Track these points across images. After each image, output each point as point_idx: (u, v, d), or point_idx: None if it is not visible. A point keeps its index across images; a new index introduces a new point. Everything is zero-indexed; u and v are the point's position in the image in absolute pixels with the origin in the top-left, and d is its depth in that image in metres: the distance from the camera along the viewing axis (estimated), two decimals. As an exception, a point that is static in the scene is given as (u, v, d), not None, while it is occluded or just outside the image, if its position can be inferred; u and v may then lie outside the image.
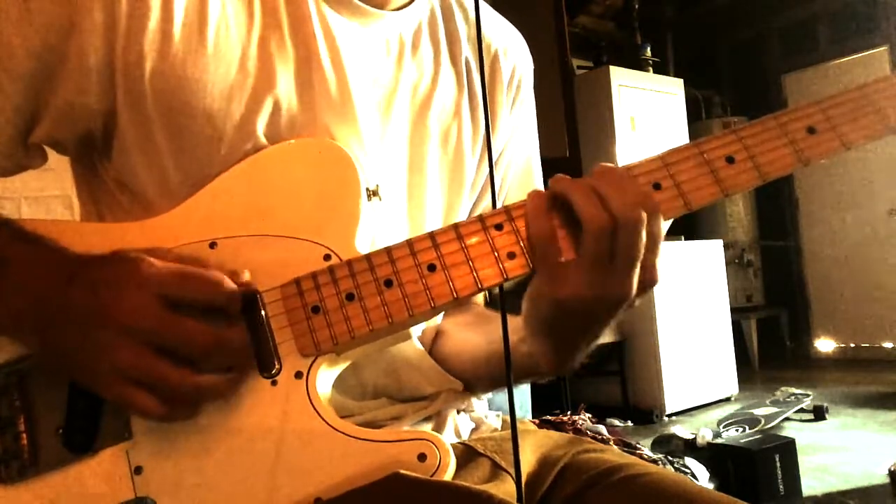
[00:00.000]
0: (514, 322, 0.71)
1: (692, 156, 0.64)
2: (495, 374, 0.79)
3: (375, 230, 0.71)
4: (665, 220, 0.63)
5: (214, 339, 0.59)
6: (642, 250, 0.61)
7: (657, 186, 0.64)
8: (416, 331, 0.73)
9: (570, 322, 0.66)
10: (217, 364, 0.60)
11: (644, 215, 0.60)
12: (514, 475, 0.75)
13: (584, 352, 0.71)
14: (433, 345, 0.85)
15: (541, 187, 0.94)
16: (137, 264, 0.59)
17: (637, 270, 0.62)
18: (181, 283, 0.59)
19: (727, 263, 4.85)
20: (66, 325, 0.59)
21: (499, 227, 0.64)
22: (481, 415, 0.88)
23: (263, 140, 0.69)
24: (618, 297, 0.63)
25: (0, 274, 0.62)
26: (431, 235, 0.64)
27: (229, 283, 0.61)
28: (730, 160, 0.64)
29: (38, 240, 0.65)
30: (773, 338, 5.91)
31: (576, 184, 0.62)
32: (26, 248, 0.64)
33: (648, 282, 0.63)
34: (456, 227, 0.64)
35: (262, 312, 0.64)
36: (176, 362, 0.58)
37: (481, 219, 0.64)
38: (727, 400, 4.46)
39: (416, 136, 0.79)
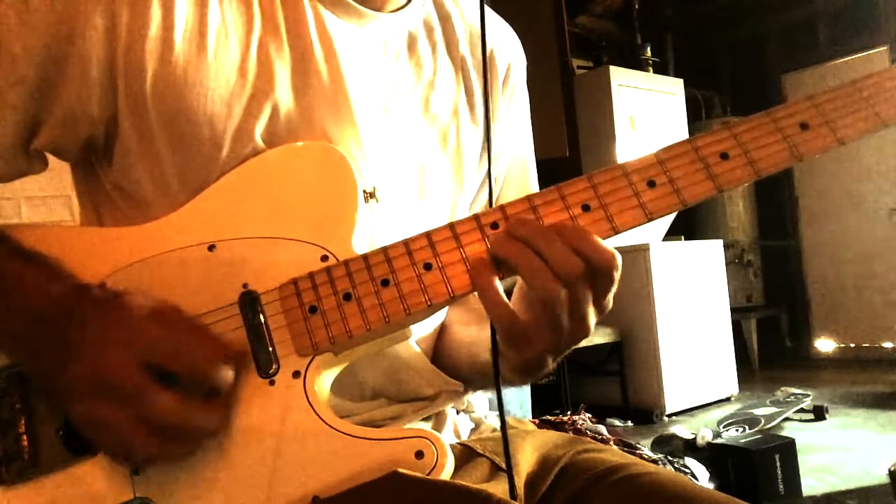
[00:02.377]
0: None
1: (686, 152, 0.64)
2: (484, 372, 0.79)
3: (373, 231, 0.72)
4: (662, 216, 0.64)
5: (180, 417, 0.58)
6: (591, 296, 0.61)
7: (651, 184, 0.64)
8: (415, 331, 0.74)
9: (527, 365, 0.67)
10: (180, 437, 0.59)
11: (584, 267, 0.59)
12: (513, 476, 0.76)
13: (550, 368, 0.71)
14: (437, 341, 0.85)
15: (535, 184, 0.94)
16: (134, 322, 0.59)
17: (592, 309, 0.62)
18: (169, 356, 0.59)
19: (727, 263, 4.85)
20: (57, 356, 0.59)
21: (494, 225, 0.64)
22: (481, 415, 0.88)
23: (262, 144, 0.69)
24: (577, 338, 0.63)
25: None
26: (427, 235, 0.64)
27: (217, 368, 0.60)
28: (724, 156, 0.64)
29: (39, 260, 0.64)
30: (773, 338, 5.92)
31: (523, 253, 0.60)
32: (26, 269, 0.63)
33: (604, 311, 0.64)
34: (452, 226, 0.64)
35: (260, 313, 0.64)
36: (145, 429, 0.57)
37: (476, 218, 0.64)
38: (727, 400, 4.46)
39: (414, 137, 0.79)
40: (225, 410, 0.61)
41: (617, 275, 0.61)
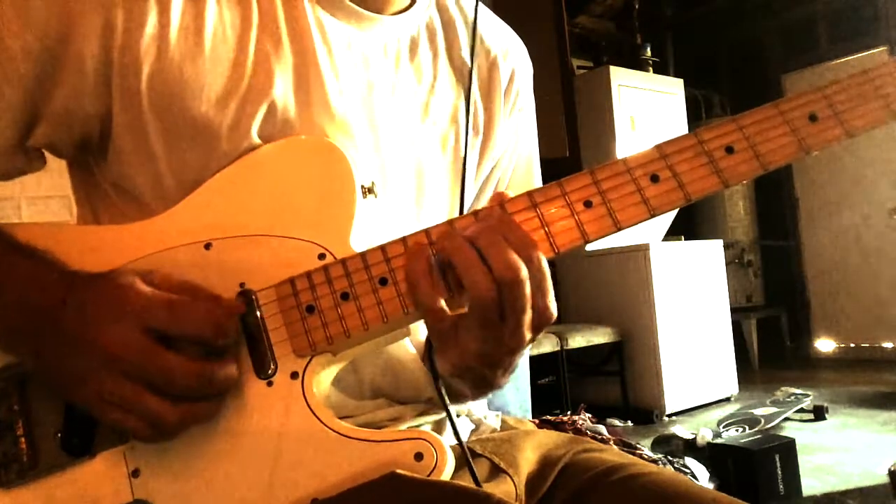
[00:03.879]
0: None
1: (690, 146, 0.63)
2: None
3: (371, 228, 0.71)
4: (665, 212, 0.63)
5: (196, 376, 0.58)
6: (529, 303, 0.60)
7: (655, 178, 0.63)
8: (413, 331, 0.73)
9: (469, 373, 0.66)
10: (200, 396, 0.59)
11: (523, 272, 0.58)
12: (513, 476, 0.75)
13: (502, 382, 0.70)
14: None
15: (539, 185, 0.94)
16: (127, 292, 0.59)
17: (528, 319, 0.61)
18: (168, 316, 0.59)
19: (727, 263, 4.85)
20: (58, 347, 0.59)
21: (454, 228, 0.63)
22: (480, 416, 0.88)
23: (258, 142, 0.69)
24: (512, 347, 0.62)
25: None
26: (426, 232, 0.64)
27: (217, 318, 0.60)
28: (729, 150, 0.63)
29: (34, 253, 0.64)
30: (773, 338, 5.91)
31: (459, 243, 0.60)
32: (22, 262, 0.64)
33: (544, 323, 0.62)
34: (451, 223, 0.64)
35: (258, 313, 0.64)
36: (159, 393, 0.57)
37: (476, 214, 0.64)
38: (727, 400, 4.45)
39: (412, 140, 0.79)
40: (234, 366, 0.61)
41: (543, 275, 0.60)
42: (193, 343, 0.59)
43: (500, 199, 0.64)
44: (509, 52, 0.90)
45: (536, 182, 0.94)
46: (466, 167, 0.79)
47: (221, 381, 0.60)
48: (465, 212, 0.80)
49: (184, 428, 0.60)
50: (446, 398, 0.69)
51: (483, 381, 0.68)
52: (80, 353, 0.58)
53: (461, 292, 0.61)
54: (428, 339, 0.67)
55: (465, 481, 0.70)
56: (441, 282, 0.61)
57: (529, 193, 0.64)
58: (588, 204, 0.63)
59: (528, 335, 0.62)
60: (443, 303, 0.60)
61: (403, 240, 0.64)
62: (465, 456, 0.68)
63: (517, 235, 0.60)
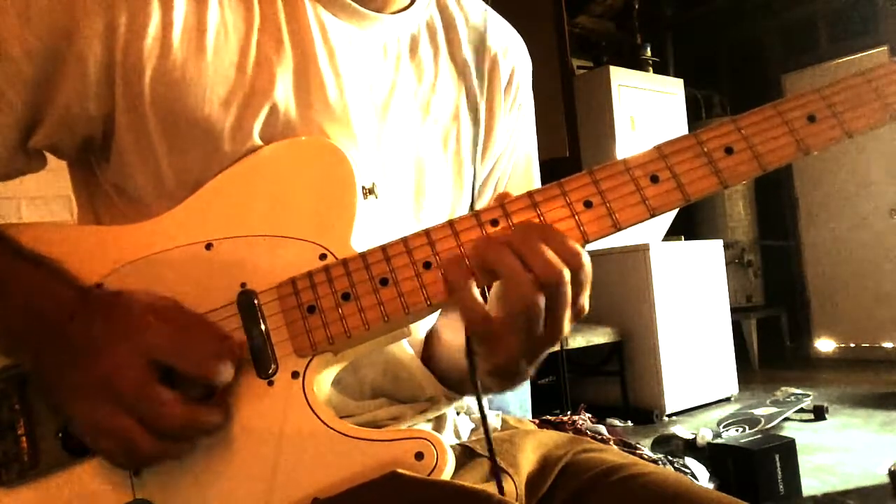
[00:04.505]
0: None
1: (690, 147, 0.63)
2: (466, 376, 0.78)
3: (372, 228, 0.71)
4: (665, 212, 0.63)
5: (184, 421, 0.58)
6: (569, 301, 0.60)
7: (654, 179, 0.63)
8: (415, 330, 0.73)
9: (508, 370, 0.66)
10: (181, 438, 0.59)
11: (566, 274, 0.58)
12: (513, 476, 0.76)
13: (530, 373, 0.70)
14: (427, 346, 0.85)
15: (538, 184, 0.94)
16: (139, 321, 0.59)
17: (568, 315, 0.61)
18: (174, 353, 0.58)
19: (727, 263, 4.85)
20: (58, 357, 0.59)
21: (494, 222, 0.63)
22: (480, 418, 0.88)
23: (259, 143, 0.69)
24: (551, 343, 0.63)
25: (2, 295, 0.63)
26: (427, 233, 0.64)
27: (220, 359, 0.59)
28: (728, 150, 0.63)
29: (42, 262, 0.64)
30: (773, 338, 5.91)
31: (500, 251, 0.59)
32: (30, 270, 0.63)
33: (578, 317, 0.62)
34: (451, 223, 0.64)
35: (259, 313, 0.64)
36: (147, 428, 0.57)
37: (477, 215, 0.64)
38: (727, 400, 4.45)
39: (415, 139, 0.79)
40: (225, 410, 0.61)
41: (586, 275, 0.60)
42: (194, 381, 0.59)
43: (501, 200, 0.64)
44: (509, 49, 0.90)
45: (535, 181, 0.94)
46: (471, 163, 0.78)
47: (205, 429, 0.60)
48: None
49: (155, 463, 0.60)
50: (483, 400, 0.69)
51: (518, 375, 0.68)
52: (79, 369, 0.58)
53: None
54: (467, 341, 0.67)
55: (466, 480, 0.70)
56: (482, 280, 0.61)
57: (530, 193, 0.64)
58: (588, 204, 0.63)
59: (566, 329, 0.62)
60: (487, 310, 0.60)
61: (404, 240, 0.64)
62: (490, 452, 0.67)
63: (554, 236, 0.60)
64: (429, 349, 0.84)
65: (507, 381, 0.69)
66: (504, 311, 0.60)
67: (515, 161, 0.92)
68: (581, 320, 0.63)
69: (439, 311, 0.81)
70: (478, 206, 0.89)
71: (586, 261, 0.60)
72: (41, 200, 2.42)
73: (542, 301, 0.58)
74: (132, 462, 0.59)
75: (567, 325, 0.62)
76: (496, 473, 0.67)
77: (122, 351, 0.57)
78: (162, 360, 0.58)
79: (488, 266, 0.60)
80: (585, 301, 0.62)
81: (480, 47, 0.86)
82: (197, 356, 0.59)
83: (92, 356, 0.58)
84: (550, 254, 0.58)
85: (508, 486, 0.74)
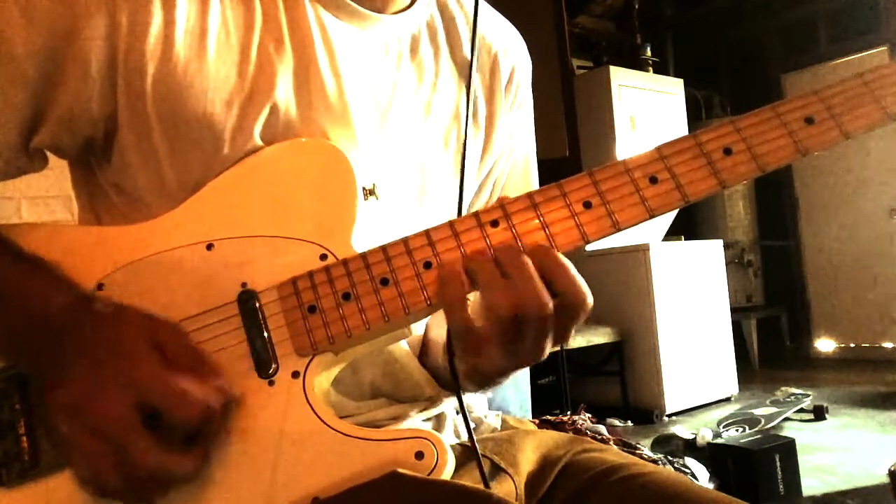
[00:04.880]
0: None
1: (689, 148, 0.63)
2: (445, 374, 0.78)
3: (373, 229, 0.71)
4: (664, 213, 0.63)
5: (156, 466, 0.56)
6: (550, 330, 0.60)
7: (653, 180, 0.63)
8: (415, 329, 0.73)
9: (484, 377, 0.67)
10: (152, 483, 0.58)
11: (548, 309, 0.59)
12: (513, 475, 0.76)
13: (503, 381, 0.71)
14: (423, 343, 0.85)
15: (536, 184, 0.94)
16: (132, 348, 0.58)
17: (549, 341, 0.61)
18: (161, 399, 0.57)
19: (727, 263, 4.85)
20: (51, 368, 0.59)
21: (494, 223, 0.63)
22: (480, 415, 0.88)
23: (260, 143, 0.69)
24: (529, 361, 0.63)
25: (2, 300, 0.62)
26: (427, 233, 0.64)
27: (213, 415, 0.58)
28: (727, 151, 0.63)
29: (42, 266, 0.64)
30: (773, 338, 5.91)
31: (496, 281, 0.60)
32: (30, 275, 0.63)
33: (560, 343, 0.63)
34: (452, 224, 0.64)
35: (259, 313, 0.64)
36: (116, 466, 0.56)
37: (477, 215, 0.64)
38: (727, 400, 4.46)
39: (416, 139, 0.79)
40: (204, 456, 0.60)
41: (584, 316, 0.61)
42: (179, 428, 0.57)
43: (501, 202, 0.64)
44: (509, 48, 0.90)
45: (533, 180, 0.95)
46: (466, 164, 0.79)
47: (177, 476, 0.58)
48: (464, 210, 0.80)
49: (118, 498, 0.58)
50: (466, 405, 0.69)
51: (495, 383, 0.69)
52: (66, 386, 0.57)
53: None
54: (448, 341, 0.67)
55: (466, 480, 0.70)
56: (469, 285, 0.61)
57: (529, 195, 0.64)
58: (587, 205, 0.63)
59: (546, 353, 0.62)
60: (471, 318, 0.60)
61: (404, 240, 0.64)
62: (475, 454, 0.68)
63: (560, 269, 0.60)
64: (423, 347, 0.85)
65: (484, 385, 0.70)
66: (486, 321, 0.60)
67: (514, 160, 0.92)
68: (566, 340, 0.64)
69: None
70: (476, 205, 0.89)
71: (589, 301, 0.60)
72: (41, 200, 2.42)
73: (529, 330, 0.59)
74: (97, 489, 0.57)
75: (547, 350, 0.62)
76: (480, 469, 0.67)
77: (112, 383, 0.56)
78: (149, 402, 0.56)
79: (475, 277, 0.61)
80: (572, 331, 0.62)
81: (481, 46, 0.86)
82: (188, 408, 0.57)
83: (82, 382, 0.57)
84: (540, 286, 0.59)
85: (508, 486, 0.74)
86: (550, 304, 0.59)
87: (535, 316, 0.59)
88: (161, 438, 0.56)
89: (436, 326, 0.83)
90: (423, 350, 0.84)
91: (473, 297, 0.62)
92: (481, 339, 0.61)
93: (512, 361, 0.62)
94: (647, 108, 4.99)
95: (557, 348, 0.64)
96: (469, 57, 0.85)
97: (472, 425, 0.88)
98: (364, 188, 0.70)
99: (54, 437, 0.59)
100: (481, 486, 0.66)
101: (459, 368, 0.67)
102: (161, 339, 0.59)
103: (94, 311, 0.61)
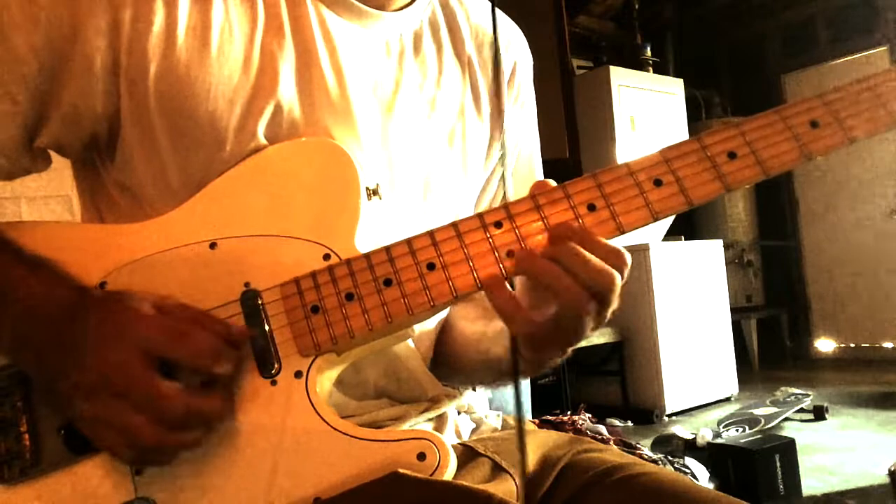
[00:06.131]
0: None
1: (693, 151, 0.64)
2: (496, 368, 0.80)
3: (376, 229, 0.71)
4: (668, 216, 0.63)
5: (185, 409, 0.58)
6: (615, 301, 0.62)
7: (658, 183, 0.63)
8: (418, 330, 0.74)
9: (545, 362, 0.68)
10: (185, 427, 0.59)
11: (618, 278, 0.60)
12: (514, 475, 0.76)
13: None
14: (442, 338, 0.85)
15: None
16: (133, 316, 0.59)
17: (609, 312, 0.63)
18: (169, 344, 0.58)
19: (727, 263, 4.85)
20: (59, 361, 0.59)
21: (498, 224, 0.64)
22: (481, 415, 0.88)
23: (264, 142, 0.69)
24: (587, 336, 0.64)
25: (2, 301, 0.63)
26: (430, 234, 0.64)
27: (220, 347, 0.60)
28: (731, 155, 0.63)
29: (41, 265, 0.64)
30: (773, 338, 5.91)
31: (551, 271, 0.60)
32: (29, 274, 0.64)
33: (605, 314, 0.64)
34: (455, 225, 0.64)
35: (262, 312, 0.64)
36: (149, 418, 0.57)
37: (480, 217, 0.64)
38: (727, 400, 4.46)
39: (419, 136, 0.79)
40: (226, 399, 0.61)
41: (628, 271, 0.62)
42: (192, 371, 0.59)
43: (504, 203, 0.65)
44: (511, 44, 0.91)
45: (538, 176, 0.95)
46: (500, 159, 0.80)
47: (207, 417, 0.59)
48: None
49: (164, 454, 0.59)
50: (467, 405, 0.69)
51: (550, 363, 0.70)
52: (79, 369, 0.58)
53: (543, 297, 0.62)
54: (512, 341, 0.67)
55: (467, 480, 0.70)
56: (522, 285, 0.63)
57: (533, 196, 0.64)
58: (591, 207, 0.63)
59: (601, 324, 0.64)
60: (532, 321, 0.61)
61: (408, 241, 0.64)
62: (521, 452, 0.70)
63: (593, 241, 0.61)
64: (447, 342, 0.85)
65: (542, 369, 0.71)
66: (554, 321, 0.61)
67: (518, 155, 0.92)
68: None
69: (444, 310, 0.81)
70: (483, 201, 0.89)
71: (628, 258, 0.62)
72: (41, 200, 2.42)
73: (594, 308, 0.60)
74: (138, 455, 0.59)
75: (607, 318, 0.64)
76: (520, 475, 0.68)
77: (119, 347, 0.58)
78: (157, 352, 0.58)
79: (541, 283, 0.61)
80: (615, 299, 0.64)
81: (483, 42, 0.86)
82: (193, 346, 0.59)
83: (91, 355, 0.58)
84: (598, 262, 0.59)
85: (509, 485, 0.74)
86: (617, 276, 0.60)
87: (609, 294, 0.60)
88: (181, 382, 0.58)
89: (468, 320, 0.83)
90: (446, 344, 0.84)
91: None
92: (549, 335, 0.62)
93: (577, 341, 0.64)
94: (647, 108, 4.99)
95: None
96: (471, 52, 0.85)
97: (473, 426, 0.88)
98: (368, 188, 0.70)
99: (77, 420, 0.59)
100: (482, 486, 0.67)
101: (526, 366, 0.68)
102: (160, 302, 0.61)
103: (93, 298, 0.62)
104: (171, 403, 0.57)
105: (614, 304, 0.62)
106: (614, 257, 0.60)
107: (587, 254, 0.59)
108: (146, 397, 0.57)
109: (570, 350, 0.67)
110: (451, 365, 0.82)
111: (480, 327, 0.81)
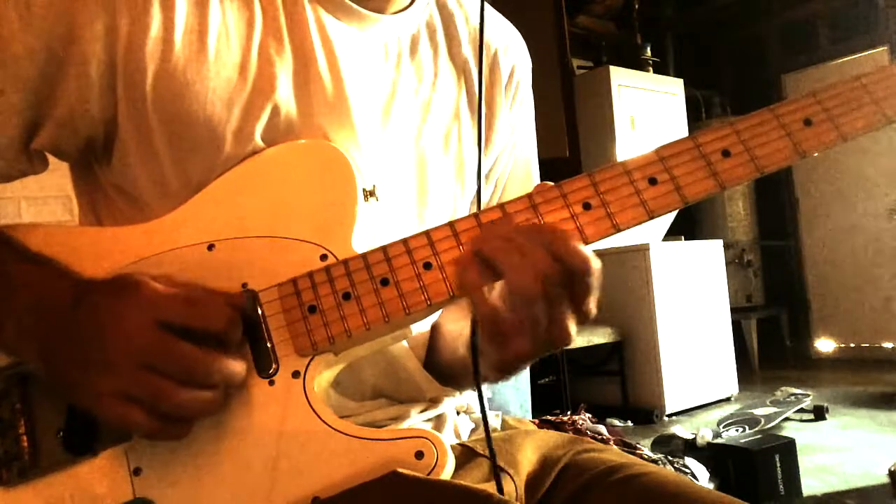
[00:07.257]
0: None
1: (688, 149, 0.64)
2: (464, 367, 0.77)
3: (373, 230, 0.71)
4: (663, 214, 0.63)
5: (205, 363, 0.58)
6: (566, 302, 0.59)
7: (653, 181, 0.63)
8: (416, 330, 0.73)
9: (508, 365, 0.66)
10: (211, 384, 0.59)
11: (565, 273, 0.58)
12: (513, 475, 0.76)
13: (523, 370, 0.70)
14: (430, 338, 0.85)
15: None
16: (139, 288, 0.59)
17: (571, 319, 0.60)
18: (181, 309, 0.59)
19: (727, 263, 4.85)
20: (69, 347, 0.59)
21: (494, 223, 0.64)
22: (480, 415, 0.88)
23: (261, 144, 0.69)
24: (556, 345, 0.62)
25: (7, 295, 0.63)
26: (427, 234, 0.64)
27: (227, 312, 0.60)
28: (726, 153, 0.63)
29: (45, 262, 0.65)
30: (773, 338, 5.91)
31: (505, 249, 0.59)
32: (33, 270, 0.64)
33: (583, 321, 0.62)
34: (451, 224, 0.64)
35: (259, 312, 0.64)
36: (177, 381, 0.57)
37: (476, 216, 0.64)
38: (727, 400, 4.46)
39: (416, 139, 0.80)
40: (242, 360, 0.61)
41: (593, 280, 0.59)
42: (204, 336, 0.59)
43: (500, 203, 0.64)
44: (509, 46, 0.91)
45: (535, 179, 0.95)
46: (478, 162, 0.79)
47: (235, 373, 0.60)
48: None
49: (192, 416, 0.59)
50: (466, 406, 0.68)
51: (515, 369, 0.68)
52: (92, 349, 0.58)
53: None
54: (472, 335, 0.67)
55: (466, 480, 0.70)
56: (486, 273, 0.60)
57: (529, 195, 0.64)
58: (587, 206, 0.63)
59: (572, 332, 0.61)
60: (497, 307, 0.60)
61: (405, 241, 0.64)
62: (491, 459, 0.68)
63: (558, 236, 0.59)
64: (432, 342, 0.84)
65: (506, 374, 0.69)
66: (510, 307, 0.59)
67: (515, 158, 0.92)
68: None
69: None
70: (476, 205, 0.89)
71: (594, 265, 0.59)
72: (41, 200, 2.42)
73: (540, 291, 0.57)
74: (160, 426, 0.58)
75: (572, 329, 0.61)
76: (495, 473, 0.67)
77: (130, 317, 0.58)
78: (170, 319, 0.58)
79: (486, 255, 0.59)
80: (592, 306, 0.61)
81: (480, 45, 0.86)
82: (205, 311, 0.59)
83: (102, 331, 0.58)
84: (543, 249, 0.58)
85: (508, 486, 0.74)
86: (557, 267, 0.58)
87: (551, 282, 0.57)
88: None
89: (450, 321, 0.83)
90: (437, 345, 0.84)
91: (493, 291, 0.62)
92: (510, 328, 0.60)
93: (537, 343, 0.61)
94: (647, 108, 5.00)
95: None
96: (468, 55, 0.85)
97: (472, 426, 0.88)
98: (364, 190, 0.70)
99: (99, 409, 0.59)
100: (481, 486, 0.67)
101: (481, 362, 0.67)
102: (161, 279, 0.61)
103: (102, 280, 0.62)
104: (195, 361, 0.57)
105: (564, 303, 0.59)
106: (573, 256, 0.58)
107: (535, 235, 0.58)
108: (170, 360, 0.57)
109: (525, 362, 0.64)
110: (439, 365, 0.82)
111: (458, 327, 0.80)
